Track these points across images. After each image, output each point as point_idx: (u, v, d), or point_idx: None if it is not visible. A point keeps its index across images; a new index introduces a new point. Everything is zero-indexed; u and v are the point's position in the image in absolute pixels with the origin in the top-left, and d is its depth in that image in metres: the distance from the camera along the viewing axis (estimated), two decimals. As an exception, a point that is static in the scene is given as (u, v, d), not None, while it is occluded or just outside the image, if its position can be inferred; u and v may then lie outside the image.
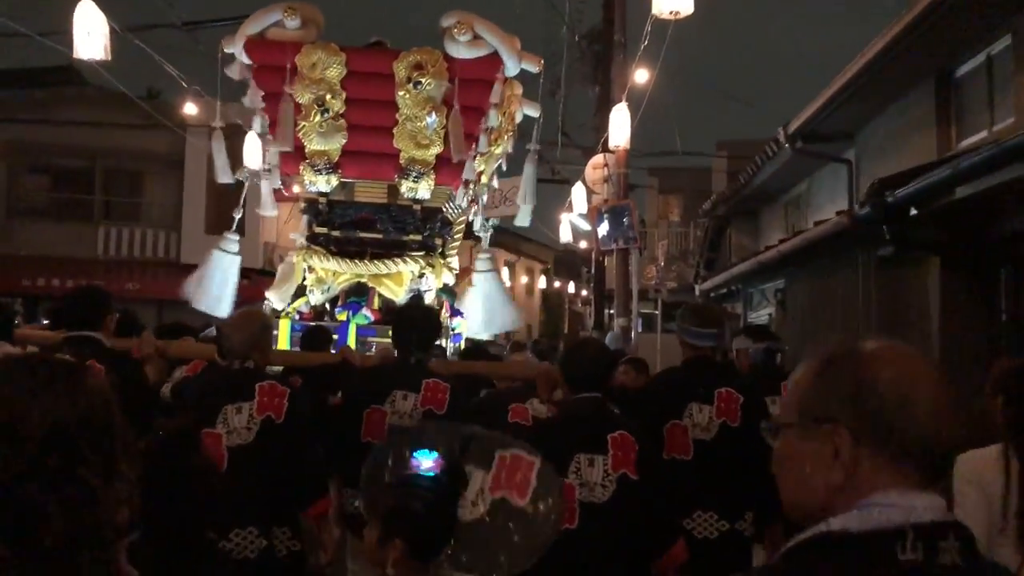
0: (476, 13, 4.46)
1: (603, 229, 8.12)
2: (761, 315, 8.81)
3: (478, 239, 5.30)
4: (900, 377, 0.88)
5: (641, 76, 8.15)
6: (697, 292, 9.15)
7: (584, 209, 10.22)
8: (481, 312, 4.43)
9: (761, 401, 2.90)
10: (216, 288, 4.27)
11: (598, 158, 8.83)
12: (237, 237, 4.54)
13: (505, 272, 24.51)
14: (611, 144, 7.27)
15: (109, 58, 4.18)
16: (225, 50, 4.39)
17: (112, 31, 4.44)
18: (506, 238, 25.46)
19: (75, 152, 14.51)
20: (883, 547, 0.81)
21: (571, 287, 27.87)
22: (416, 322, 3.18)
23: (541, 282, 26.22)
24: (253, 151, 4.61)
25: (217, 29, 9.95)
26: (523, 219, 4.99)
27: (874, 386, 0.87)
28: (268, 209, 4.76)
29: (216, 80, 4.53)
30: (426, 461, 1.47)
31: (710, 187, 16.16)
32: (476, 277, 4.48)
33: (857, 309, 5.35)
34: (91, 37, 4.07)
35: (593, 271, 13.23)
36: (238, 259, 4.44)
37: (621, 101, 7.20)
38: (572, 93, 12.30)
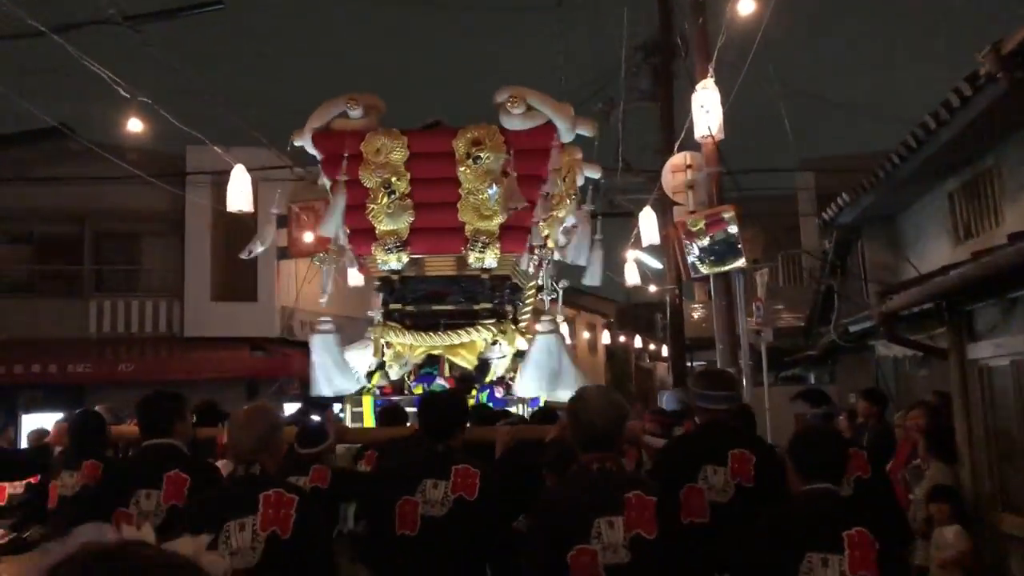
0: (528, 86, 5.61)
1: (693, 252, 7.37)
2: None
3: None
4: None
5: (745, 8, 7.35)
6: (877, 318, 7.02)
7: (656, 239, 10.10)
8: (536, 373, 5.29)
9: (776, 459, 3.37)
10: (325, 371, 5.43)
11: (678, 158, 8.19)
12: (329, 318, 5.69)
13: (565, 328, 25.56)
14: (697, 135, 6.77)
15: None
16: (295, 143, 5.57)
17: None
18: (564, 292, 26.18)
19: (60, 216, 15.62)
20: None
21: (637, 341, 28.86)
22: (439, 409, 3.59)
23: (604, 337, 27.29)
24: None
25: (166, 26, 10.20)
26: (592, 279, 6.12)
27: None
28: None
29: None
30: None
31: (795, 215, 16.65)
32: (537, 339, 5.42)
33: None
34: None
35: (669, 316, 13.29)
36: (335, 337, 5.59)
37: (707, 77, 6.73)
38: (629, 114, 13.10)
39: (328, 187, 5.78)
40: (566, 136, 5.72)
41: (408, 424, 4.88)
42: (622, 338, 28.11)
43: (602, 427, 2.89)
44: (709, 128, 6.57)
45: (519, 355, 5.92)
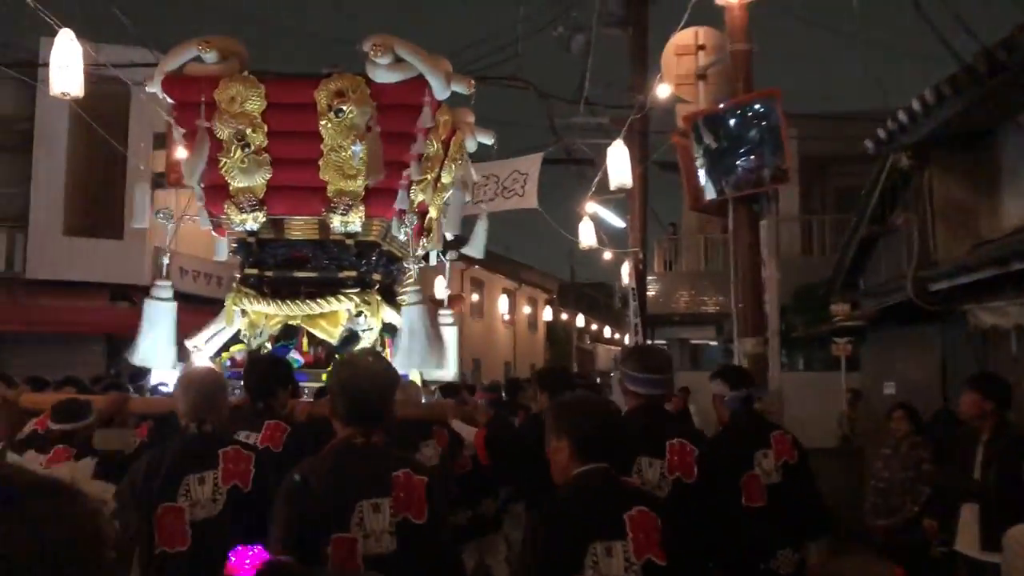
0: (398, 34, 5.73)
1: (705, 165, 5.75)
2: None
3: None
4: None
5: None
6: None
7: (627, 179, 8.56)
8: (404, 346, 5.64)
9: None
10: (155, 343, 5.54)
11: (686, 35, 6.89)
12: (169, 283, 5.78)
13: (504, 301, 26.03)
14: None
15: None
16: (148, 89, 5.64)
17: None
18: (505, 265, 27.08)
19: None
20: None
21: (579, 320, 29.59)
22: (258, 370, 4.50)
23: (546, 314, 28.47)
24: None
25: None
26: (475, 249, 6.89)
27: None
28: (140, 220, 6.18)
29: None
30: None
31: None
32: (404, 310, 5.89)
33: None
34: None
35: (636, 283, 12.75)
36: (173, 305, 5.71)
37: None
38: (592, 44, 12.86)
39: (181, 136, 5.86)
40: (440, 92, 5.90)
41: None
42: (564, 316, 29.06)
43: (375, 397, 2.90)
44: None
45: (389, 330, 6.15)
